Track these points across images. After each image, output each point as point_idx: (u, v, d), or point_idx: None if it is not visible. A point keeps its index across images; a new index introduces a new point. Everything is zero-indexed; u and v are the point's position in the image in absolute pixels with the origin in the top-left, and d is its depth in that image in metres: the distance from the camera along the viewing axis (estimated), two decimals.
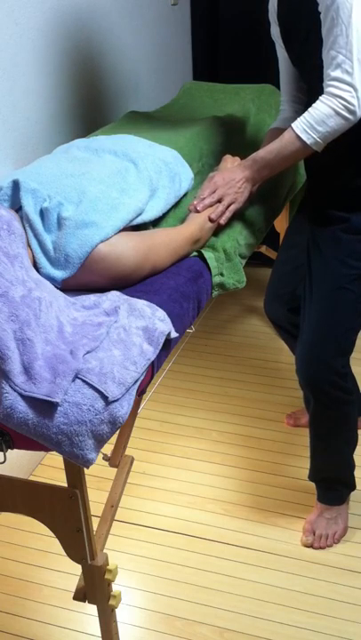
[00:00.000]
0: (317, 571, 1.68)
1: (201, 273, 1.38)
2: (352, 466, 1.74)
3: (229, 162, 1.62)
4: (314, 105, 1.35)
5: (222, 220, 1.48)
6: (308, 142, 1.37)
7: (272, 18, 1.54)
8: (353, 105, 1.31)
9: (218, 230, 1.49)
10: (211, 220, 1.46)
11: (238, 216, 1.56)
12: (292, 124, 1.38)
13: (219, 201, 1.48)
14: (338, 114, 1.32)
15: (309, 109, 1.36)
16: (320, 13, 1.31)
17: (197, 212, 1.46)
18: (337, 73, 1.29)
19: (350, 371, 1.61)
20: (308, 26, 1.38)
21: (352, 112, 1.32)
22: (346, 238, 1.50)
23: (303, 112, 1.48)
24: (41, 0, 1.77)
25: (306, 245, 1.60)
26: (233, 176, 1.49)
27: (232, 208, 1.49)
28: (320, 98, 1.34)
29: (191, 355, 2.59)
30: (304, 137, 1.36)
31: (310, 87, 1.53)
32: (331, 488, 1.75)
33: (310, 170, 1.60)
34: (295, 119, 1.49)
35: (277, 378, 2.42)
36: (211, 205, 1.48)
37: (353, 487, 1.76)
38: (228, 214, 1.49)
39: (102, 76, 2.17)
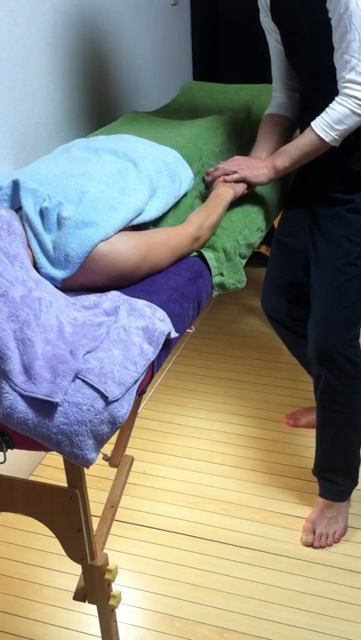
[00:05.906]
0: (317, 570, 1.68)
1: (201, 273, 1.37)
2: (358, 458, 1.74)
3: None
4: (331, 105, 1.43)
5: (239, 190, 1.54)
6: (327, 140, 1.45)
7: (262, 7, 1.58)
8: None
9: (218, 230, 1.49)
10: (224, 181, 1.53)
11: (238, 216, 1.56)
12: (312, 124, 1.46)
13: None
14: (354, 113, 1.40)
15: (327, 110, 1.43)
16: (330, 19, 1.37)
17: (211, 178, 1.57)
18: (351, 75, 1.38)
19: (358, 345, 1.64)
20: (313, 28, 1.44)
21: None
22: (351, 217, 1.57)
23: (297, 99, 1.65)
24: (41, 0, 1.77)
25: (307, 231, 1.65)
26: (255, 162, 1.56)
27: (244, 178, 1.54)
28: (336, 99, 1.42)
29: (191, 355, 2.59)
30: (323, 135, 1.45)
31: (308, 81, 1.55)
32: (334, 481, 1.75)
33: None
34: (289, 104, 1.68)
35: (277, 378, 2.42)
36: (224, 174, 1.55)
37: (356, 482, 1.76)
38: (243, 189, 1.55)
39: (102, 76, 2.17)
